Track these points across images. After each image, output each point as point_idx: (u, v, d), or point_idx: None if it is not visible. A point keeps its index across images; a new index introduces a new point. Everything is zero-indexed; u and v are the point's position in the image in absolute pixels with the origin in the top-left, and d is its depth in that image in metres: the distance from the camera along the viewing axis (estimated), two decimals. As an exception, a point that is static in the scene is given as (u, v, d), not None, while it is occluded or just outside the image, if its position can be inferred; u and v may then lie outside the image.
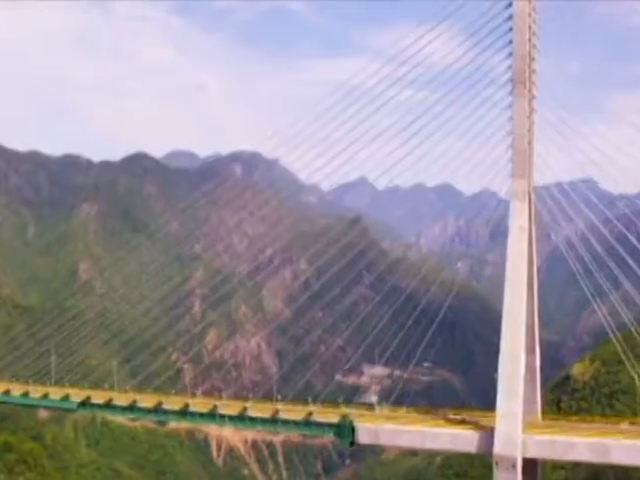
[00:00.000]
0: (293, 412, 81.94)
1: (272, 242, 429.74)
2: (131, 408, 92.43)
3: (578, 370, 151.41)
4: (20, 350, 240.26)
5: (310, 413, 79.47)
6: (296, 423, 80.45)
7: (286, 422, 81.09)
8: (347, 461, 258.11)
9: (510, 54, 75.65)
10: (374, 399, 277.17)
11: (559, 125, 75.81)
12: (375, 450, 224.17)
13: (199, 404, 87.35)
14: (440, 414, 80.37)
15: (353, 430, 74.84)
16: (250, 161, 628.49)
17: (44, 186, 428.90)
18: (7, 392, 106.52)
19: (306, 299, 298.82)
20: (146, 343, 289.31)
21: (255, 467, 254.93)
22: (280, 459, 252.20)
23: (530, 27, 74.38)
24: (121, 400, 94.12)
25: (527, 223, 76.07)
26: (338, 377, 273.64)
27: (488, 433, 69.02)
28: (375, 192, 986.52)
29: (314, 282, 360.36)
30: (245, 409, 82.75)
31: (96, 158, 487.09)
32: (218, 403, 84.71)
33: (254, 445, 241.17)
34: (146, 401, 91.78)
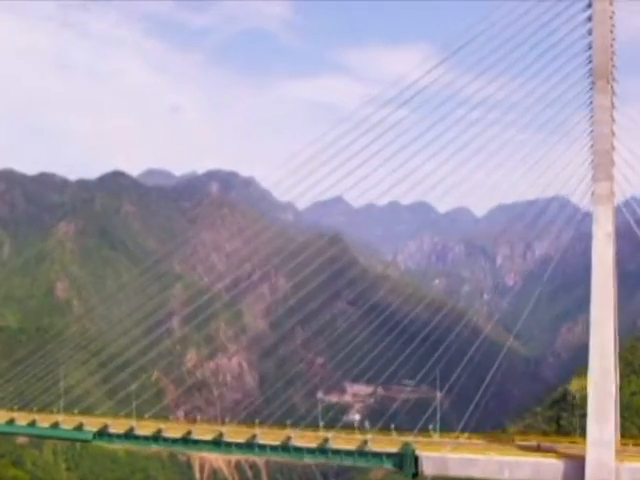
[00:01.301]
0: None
1: (250, 259, 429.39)
2: (155, 438, 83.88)
3: (576, 385, 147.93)
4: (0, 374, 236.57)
5: (365, 442, 72.64)
6: (349, 453, 73.60)
7: (337, 452, 74.24)
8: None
9: (589, 46, 67.96)
10: (357, 418, 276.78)
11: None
12: (362, 469, 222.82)
13: (231, 433, 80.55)
14: (505, 440, 74.98)
15: (416, 460, 68.23)
16: (226, 179, 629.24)
17: (19, 204, 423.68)
18: (11, 421, 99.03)
19: (286, 316, 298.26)
20: (125, 362, 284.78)
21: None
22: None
23: (611, 17, 67.15)
24: (142, 429, 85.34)
25: (612, 229, 67.80)
26: (320, 395, 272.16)
27: (576, 461, 63.56)
28: (351, 210, 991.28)
29: (293, 299, 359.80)
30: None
31: (72, 177, 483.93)
32: (257, 432, 78.13)
33: (237, 466, 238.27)
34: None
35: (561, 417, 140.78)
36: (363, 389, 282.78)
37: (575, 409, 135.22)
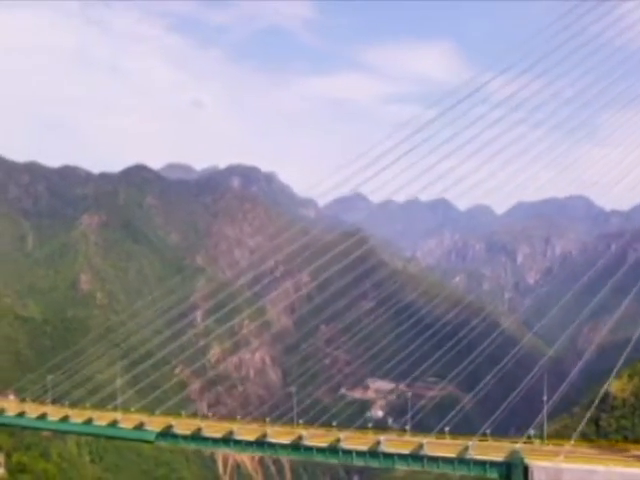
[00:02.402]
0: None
1: (273, 254, 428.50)
2: (227, 441, 76.46)
3: (616, 387, 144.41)
4: (25, 364, 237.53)
5: (466, 448, 65.43)
6: (447, 461, 66.55)
7: (434, 460, 66.98)
8: (355, 477, 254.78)
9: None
10: (380, 414, 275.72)
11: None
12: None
13: (316, 437, 72.84)
14: (617, 449, 66.97)
15: (526, 470, 60.81)
16: (247, 174, 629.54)
17: (43, 197, 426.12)
18: (65, 418, 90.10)
19: (309, 312, 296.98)
20: (149, 355, 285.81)
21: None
22: (287, 475, 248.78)
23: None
24: (211, 431, 78.15)
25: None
26: (343, 391, 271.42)
27: None
28: (370, 206, 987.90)
29: (317, 295, 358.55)
30: (339, 440, 69.60)
31: (95, 170, 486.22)
32: (341, 436, 70.86)
33: (261, 461, 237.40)
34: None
35: (600, 418, 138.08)
36: (385, 385, 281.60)
37: (614, 410, 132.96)
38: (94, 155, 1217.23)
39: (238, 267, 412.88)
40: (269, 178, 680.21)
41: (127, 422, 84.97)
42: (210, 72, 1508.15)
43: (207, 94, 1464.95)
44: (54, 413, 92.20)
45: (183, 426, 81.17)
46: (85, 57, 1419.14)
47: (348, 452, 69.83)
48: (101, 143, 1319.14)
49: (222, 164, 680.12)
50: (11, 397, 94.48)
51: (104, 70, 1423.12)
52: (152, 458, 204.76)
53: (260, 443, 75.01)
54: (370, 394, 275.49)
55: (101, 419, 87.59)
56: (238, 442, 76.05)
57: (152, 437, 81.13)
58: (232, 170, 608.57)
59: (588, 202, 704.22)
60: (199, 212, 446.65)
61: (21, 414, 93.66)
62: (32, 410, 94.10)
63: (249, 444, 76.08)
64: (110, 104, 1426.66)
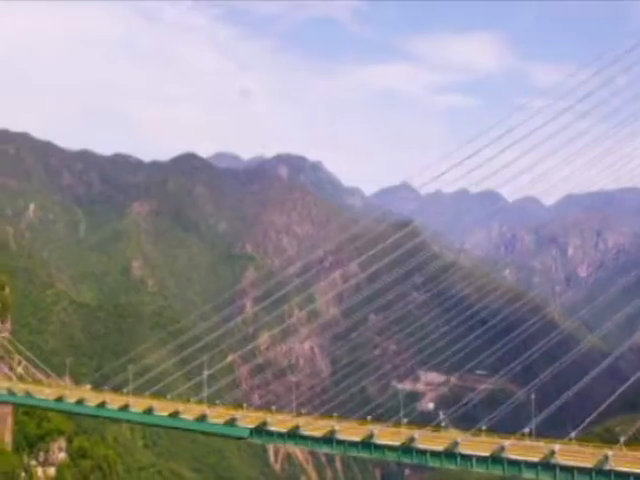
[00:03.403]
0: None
1: (322, 244, 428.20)
2: (329, 440, 69.37)
3: None
4: (78, 348, 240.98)
5: (605, 458, 55.93)
6: (531, 465, 59.24)
7: (516, 463, 60.04)
8: (407, 471, 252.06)
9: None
10: (431, 406, 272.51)
11: None
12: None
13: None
14: None
15: None
16: (295, 163, 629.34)
17: (95, 184, 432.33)
18: (150, 410, 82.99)
19: (358, 302, 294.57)
20: (199, 342, 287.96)
21: (313, 474, 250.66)
22: (338, 467, 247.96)
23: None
24: (310, 428, 70.92)
25: None
26: (393, 383, 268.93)
27: None
28: (417, 196, 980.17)
29: (366, 285, 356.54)
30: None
31: (145, 158, 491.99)
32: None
33: (312, 452, 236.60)
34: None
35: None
36: (436, 377, 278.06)
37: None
38: (144, 143, 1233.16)
39: (286, 255, 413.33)
40: (316, 167, 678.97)
41: (216, 416, 78.21)
42: (258, 62, 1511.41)
43: (254, 83, 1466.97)
44: (136, 404, 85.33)
45: (279, 423, 73.72)
46: (135, 47, 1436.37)
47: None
48: (150, 131, 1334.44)
49: (268, 153, 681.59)
50: (87, 386, 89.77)
51: (153, 59, 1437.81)
52: (204, 445, 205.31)
53: (366, 444, 67.76)
54: (420, 386, 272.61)
55: (187, 412, 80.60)
56: (341, 442, 69.08)
57: (245, 434, 75.49)
58: (280, 159, 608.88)
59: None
60: (247, 200, 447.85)
61: (101, 405, 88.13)
62: (113, 401, 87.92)
63: (353, 445, 68.84)
64: (159, 93, 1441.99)
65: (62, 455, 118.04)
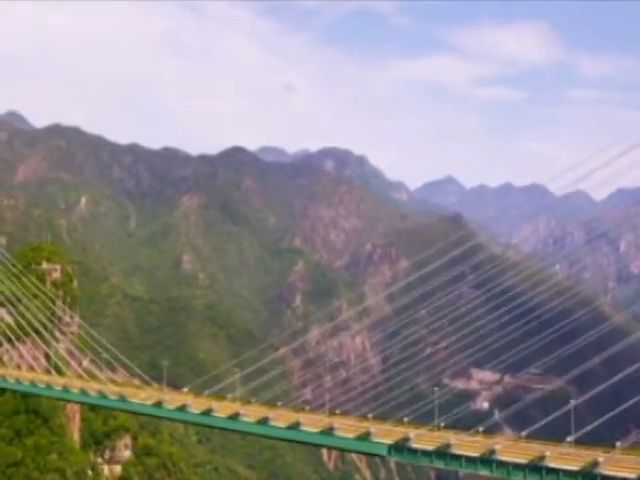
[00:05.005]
0: None
1: (370, 238, 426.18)
2: (488, 462, 57.21)
3: None
4: (132, 342, 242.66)
5: None
6: None
7: None
8: (460, 472, 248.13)
9: None
10: (485, 406, 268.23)
11: None
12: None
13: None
14: None
15: None
16: (341, 157, 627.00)
17: (145, 178, 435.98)
18: (236, 415, 70.46)
19: (407, 297, 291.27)
20: (252, 336, 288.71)
21: (367, 473, 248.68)
22: (392, 466, 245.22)
23: None
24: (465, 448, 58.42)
25: None
26: (446, 381, 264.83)
27: None
28: (462, 190, 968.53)
29: (416, 280, 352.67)
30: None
31: (193, 152, 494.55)
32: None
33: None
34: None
35: None
36: (489, 376, 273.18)
37: None
38: (189, 137, 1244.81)
39: (335, 249, 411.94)
40: (361, 161, 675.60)
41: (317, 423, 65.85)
42: (301, 55, 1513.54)
43: (298, 77, 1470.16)
44: (220, 409, 74.57)
45: (422, 440, 61.47)
46: (179, 41, 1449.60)
47: (503, 464, 57.13)
48: (196, 125, 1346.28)
49: (312, 147, 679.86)
50: (185, 389, 78.34)
51: (198, 54, 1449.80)
52: (257, 442, 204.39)
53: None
54: (473, 384, 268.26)
55: (279, 420, 68.80)
56: (502, 464, 57.23)
57: (383, 451, 63.26)
58: (325, 153, 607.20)
59: None
60: (295, 194, 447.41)
61: (207, 411, 75.27)
62: (195, 404, 76.98)
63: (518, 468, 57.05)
64: (204, 87, 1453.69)
65: (127, 453, 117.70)
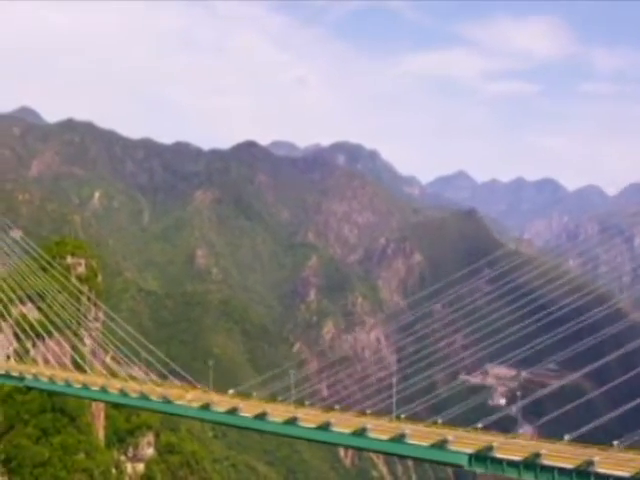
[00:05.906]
0: None
1: (383, 232, 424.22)
2: (585, 474, 50.09)
3: None
4: (146, 336, 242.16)
5: None
6: None
7: None
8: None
9: None
10: (502, 402, 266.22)
11: None
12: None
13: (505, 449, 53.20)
14: None
15: None
16: (352, 152, 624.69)
17: (157, 172, 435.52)
18: (327, 426, 60.28)
19: (422, 292, 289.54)
20: (266, 331, 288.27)
21: (384, 469, 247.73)
22: (409, 462, 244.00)
23: None
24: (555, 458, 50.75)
25: None
26: (462, 376, 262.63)
27: None
28: (474, 185, 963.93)
29: (430, 274, 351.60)
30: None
31: (205, 146, 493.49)
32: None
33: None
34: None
35: None
36: (505, 371, 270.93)
37: None
38: (201, 132, 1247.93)
39: (348, 244, 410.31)
40: (373, 155, 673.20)
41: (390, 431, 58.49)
42: (312, 51, 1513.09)
43: (309, 73, 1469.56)
44: (276, 413, 66.76)
45: (506, 449, 55.47)
46: (191, 38, 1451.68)
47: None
48: (207, 120, 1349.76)
49: (324, 142, 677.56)
50: (231, 391, 71.12)
51: (209, 50, 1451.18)
52: (274, 438, 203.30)
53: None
54: (490, 380, 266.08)
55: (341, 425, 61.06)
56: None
57: (464, 461, 57.53)
58: (337, 147, 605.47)
59: None
60: (308, 189, 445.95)
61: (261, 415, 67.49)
62: (246, 407, 68.76)
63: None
64: (216, 83, 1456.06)
65: (150, 451, 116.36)
